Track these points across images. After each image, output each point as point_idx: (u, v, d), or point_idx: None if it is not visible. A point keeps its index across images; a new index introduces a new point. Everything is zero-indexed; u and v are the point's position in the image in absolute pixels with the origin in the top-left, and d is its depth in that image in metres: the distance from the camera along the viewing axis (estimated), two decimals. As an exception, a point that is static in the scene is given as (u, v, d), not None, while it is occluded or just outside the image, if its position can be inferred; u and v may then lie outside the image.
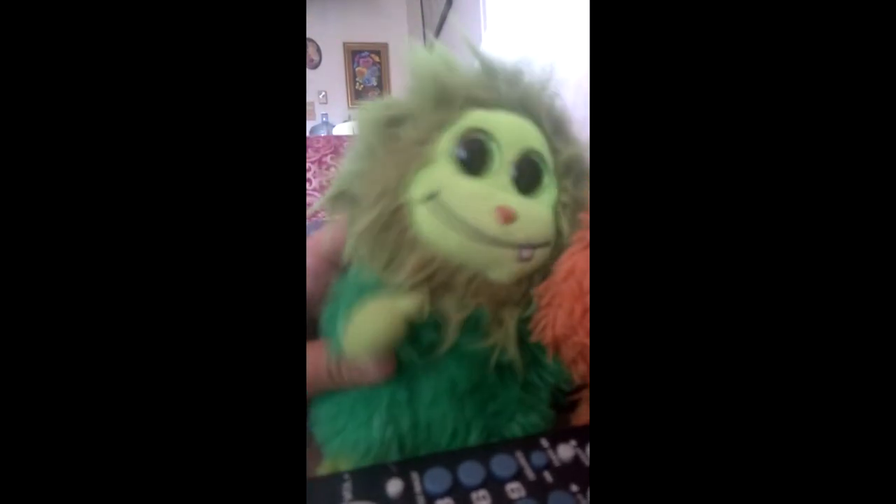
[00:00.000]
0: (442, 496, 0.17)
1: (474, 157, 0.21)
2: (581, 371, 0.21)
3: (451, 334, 0.20)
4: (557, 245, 0.21)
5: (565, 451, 0.19)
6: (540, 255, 0.21)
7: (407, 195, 0.20)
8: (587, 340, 0.19)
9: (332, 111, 2.73)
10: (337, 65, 2.84)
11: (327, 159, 1.41)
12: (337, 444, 0.21)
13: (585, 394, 0.23)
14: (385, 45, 2.86)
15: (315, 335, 0.22)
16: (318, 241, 0.23)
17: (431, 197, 0.20)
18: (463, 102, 0.21)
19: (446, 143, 0.21)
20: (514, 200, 0.21)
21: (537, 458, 0.18)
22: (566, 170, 0.22)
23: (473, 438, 0.21)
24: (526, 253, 0.20)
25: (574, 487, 0.17)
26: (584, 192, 0.22)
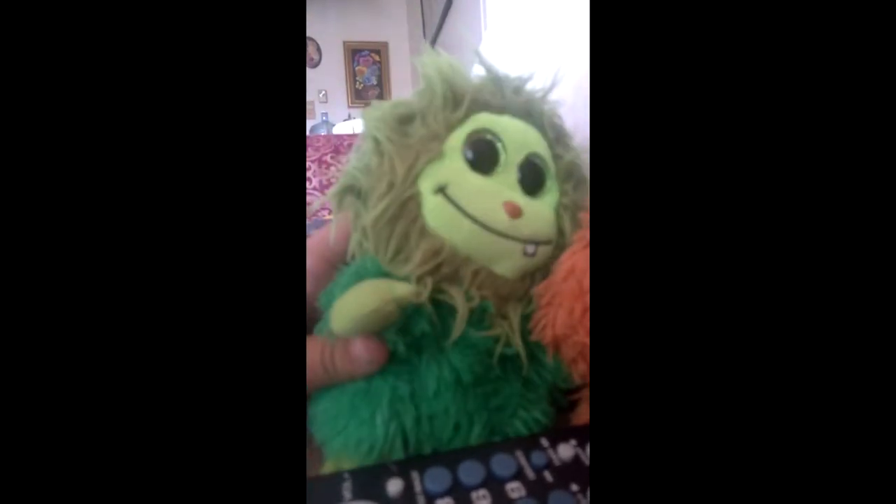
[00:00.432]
0: (442, 495, 0.17)
1: (483, 156, 0.21)
2: (581, 370, 0.21)
3: (458, 325, 0.20)
4: (559, 245, 0.22)
5: (565, 451, 0.19)
6: (543, 252, 0.22)
7: (416, 187, 0.21)
8: (587, 340, 0.19)
9: (332, 110, 2.73)
10: (337, 64, 2.84)
11: (327, 158, 1.41)
12: (339, 444, 0.21)
13: (585, 393, 0.23)
14: (385, 44, 2.86)
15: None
16: (320, 240, 0.23)
17: (441, 190, 0.21)
18: (471, 104, 0.22)
19: (455, 140, 0.21)
20: (520, 199, 0.21)
21: (537, 457, 0.18)
22: (567, 175, 0.23)
23: (476, 433, 0.21)
24: (531, 249, 0.21)
25: (574, 487, 0.17)
26: (584, 197, 0.23)
